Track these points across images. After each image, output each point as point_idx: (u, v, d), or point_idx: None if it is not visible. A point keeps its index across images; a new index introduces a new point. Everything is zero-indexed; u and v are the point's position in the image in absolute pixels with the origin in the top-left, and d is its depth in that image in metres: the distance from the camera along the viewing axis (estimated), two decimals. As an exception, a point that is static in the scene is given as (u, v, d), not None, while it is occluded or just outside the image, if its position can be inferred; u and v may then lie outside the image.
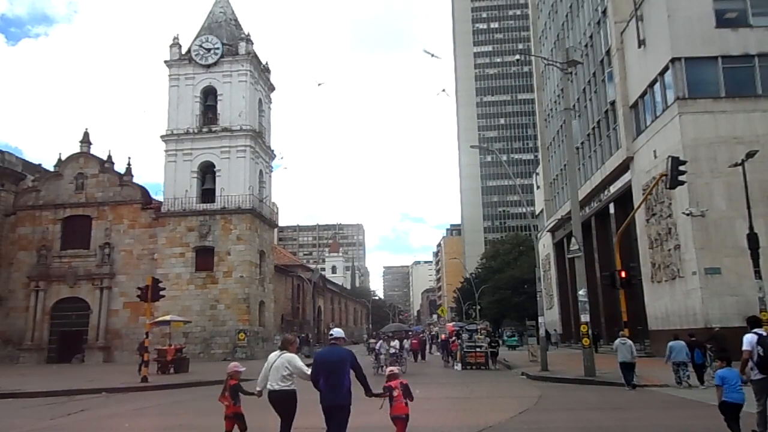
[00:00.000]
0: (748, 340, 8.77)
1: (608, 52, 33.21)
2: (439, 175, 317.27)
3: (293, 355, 7.85)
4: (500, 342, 34.08)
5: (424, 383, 12.46)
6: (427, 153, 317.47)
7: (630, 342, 16.61)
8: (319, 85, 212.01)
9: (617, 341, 16.71)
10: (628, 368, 16.12)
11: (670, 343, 16.90)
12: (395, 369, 8.41)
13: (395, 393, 7.48)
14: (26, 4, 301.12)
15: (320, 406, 7.15)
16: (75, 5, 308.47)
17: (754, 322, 9.32)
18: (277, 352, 7.87)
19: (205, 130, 40.34)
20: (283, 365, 7.60)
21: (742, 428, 8.68)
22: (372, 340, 40.29)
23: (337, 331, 8.00)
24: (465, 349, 25.96)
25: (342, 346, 7.57)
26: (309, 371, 7.38)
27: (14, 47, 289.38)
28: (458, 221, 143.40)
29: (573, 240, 21.10)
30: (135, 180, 41.11)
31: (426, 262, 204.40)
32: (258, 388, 7.93)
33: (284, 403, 7.53)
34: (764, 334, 8.82)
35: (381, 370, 25.17)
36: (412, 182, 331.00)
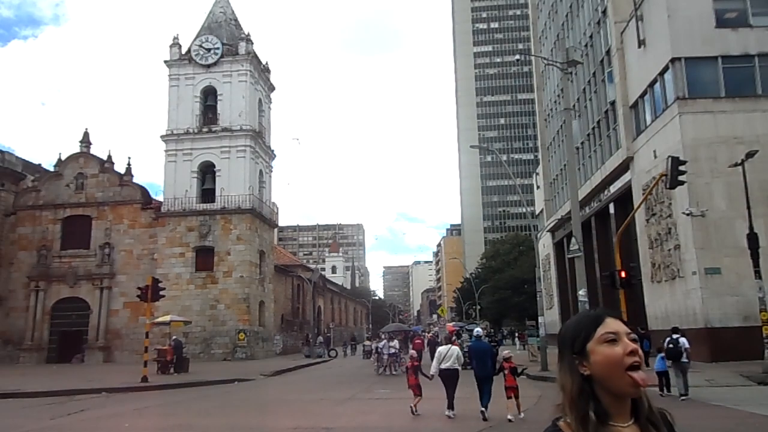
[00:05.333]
0: (666, 341, 14.22)
1: (608, 52, 33.17)
2: (437, 174, 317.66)
3: (456, 347, 12.69)
4: (498, 342, 34.11)
5: (424, 383, 12.65)
6: (425, 153, 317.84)
7: None
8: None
9: None
10: None
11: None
12: (508, 353, 12.37)
13: (506, 372, 11.55)
14: (14, 6, 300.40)
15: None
16: (70, 6, 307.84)
17: (674, 330, 14.95)
18: (446, 346, 12.62)
19: (205, 130, 40.31)
20: (453, 354, 12.10)
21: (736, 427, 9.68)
22: (367, 342, 40.13)
23: (478, 331, 13.84)
24: (465, 350, 25.87)
25: (483, 341, 12.96)
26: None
27: (4, 48, 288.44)
28: (457, 221, 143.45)
29: (573, 240, 21.07)
30: (135, 180, 41.12)
31: (426, 262, 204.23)
32: (432, 372, 12.25)
33: (453, 377, 11.96)
34: (676, 337, 14.11)
35: (385, 370, 24.82)
36: (407, 182, 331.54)
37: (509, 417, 11.31)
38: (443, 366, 11.93)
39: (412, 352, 13.95)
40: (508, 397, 11.39)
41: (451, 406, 12.01)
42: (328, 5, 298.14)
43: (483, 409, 11.59)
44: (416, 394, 12.30)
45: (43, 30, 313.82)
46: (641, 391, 1.47)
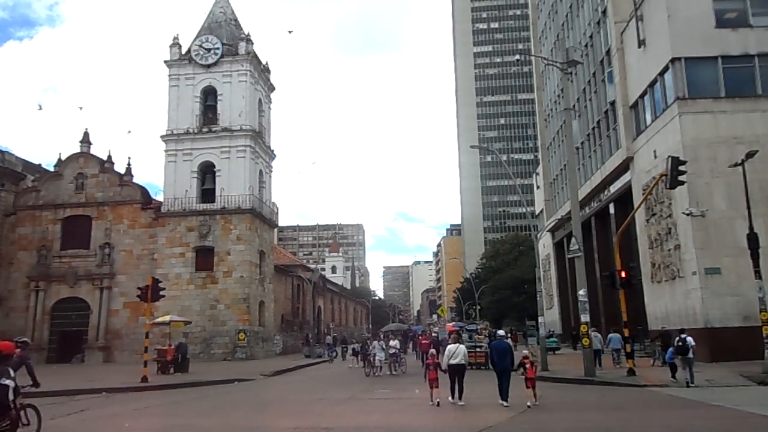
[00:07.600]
0: (676, 340, 17.03)
1: (608, 52, 33.19)
2: (437, 174, 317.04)
3: (463, 346, 14.44)
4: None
5: (425, 383, 12.86)
6: (425, 153, 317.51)
7: (599, 335, 23.51)
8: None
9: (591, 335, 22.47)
10: (598, 353, 21.89)
11: (609, 335, 24.37)
12: (526, 352, 14.49)
13: (527, 366, 13.21)
14: (9, 8, 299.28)
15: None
16: (65, 7, 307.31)
17: (681, 331, 17.62)
18: (455, 344, 14.07)
19: (205, 130, 40.30)
20: (461, 351, 13.78)
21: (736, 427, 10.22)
22: (357, 345, 38.73)
23: (500, 333, 16.47)
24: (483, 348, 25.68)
25: (504, 340, 14.63)
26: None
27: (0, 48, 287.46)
28: (457, 221, 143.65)
29: (573, 240, 21.10)
30: (135, 180, 41.06)
31: (426, 262, 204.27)
32: (443, 368, 13.81)
33: (461, 372, 13.63)
34: (683, 336, 16.68)
35: (376, 372, 24.57)
36: (407, 182, 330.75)
37: (528, 404, 12.94)
38: (452, 362, 13.53)
39: (433, 351, 16.22)
40: (527, 387, 13.11)
41: (459, 397, 13.56)
42: (328, 5, 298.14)
43: (504, 401, 13.08)
44: (434, 386, 13.73)
45: (38, 31, 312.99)
46: None
